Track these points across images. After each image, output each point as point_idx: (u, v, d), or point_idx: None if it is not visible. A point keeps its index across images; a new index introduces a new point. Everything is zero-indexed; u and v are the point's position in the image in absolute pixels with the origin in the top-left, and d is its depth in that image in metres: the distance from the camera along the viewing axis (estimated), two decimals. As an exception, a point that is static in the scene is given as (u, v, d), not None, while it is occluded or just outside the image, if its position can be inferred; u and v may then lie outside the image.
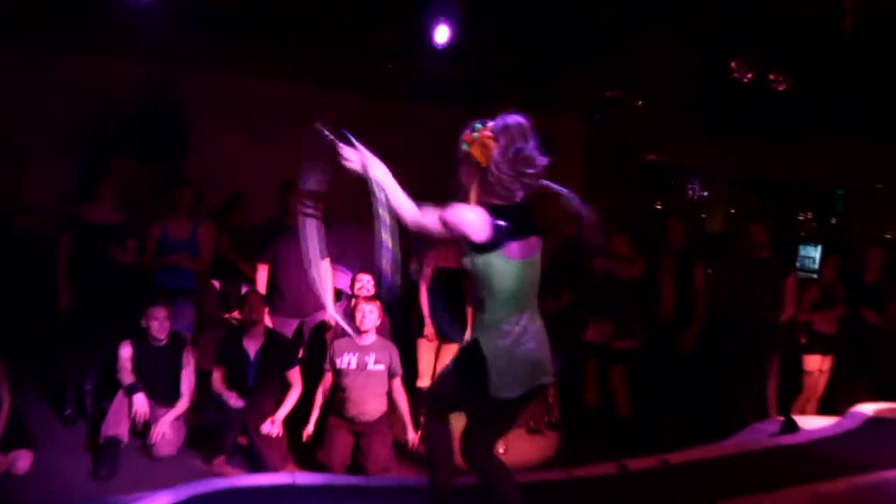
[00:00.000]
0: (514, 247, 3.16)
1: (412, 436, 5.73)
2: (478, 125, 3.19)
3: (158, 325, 5.70)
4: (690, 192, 12.36)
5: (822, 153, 10.21)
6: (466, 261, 3.21)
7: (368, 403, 5.59)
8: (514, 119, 3.18)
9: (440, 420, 3.62)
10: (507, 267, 3.16)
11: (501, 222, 3.12)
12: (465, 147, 3.20)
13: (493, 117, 3.21)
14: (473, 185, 3.22)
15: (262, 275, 6.37)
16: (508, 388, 3.22)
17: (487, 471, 3.46)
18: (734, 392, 6.78)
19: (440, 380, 3.68)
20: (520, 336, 3.26)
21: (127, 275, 6.28)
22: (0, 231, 6.96)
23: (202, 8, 7.14)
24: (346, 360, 5.63)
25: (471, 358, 3.25)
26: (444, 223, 3.12)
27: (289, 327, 6.28)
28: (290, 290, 6.25)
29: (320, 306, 6.45)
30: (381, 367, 5.67)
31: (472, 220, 3.12)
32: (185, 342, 5.92)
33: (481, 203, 3.19)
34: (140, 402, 5.55)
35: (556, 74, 9.20)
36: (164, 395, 5.70)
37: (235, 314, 6.48)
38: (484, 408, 3.34)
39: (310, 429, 5.60)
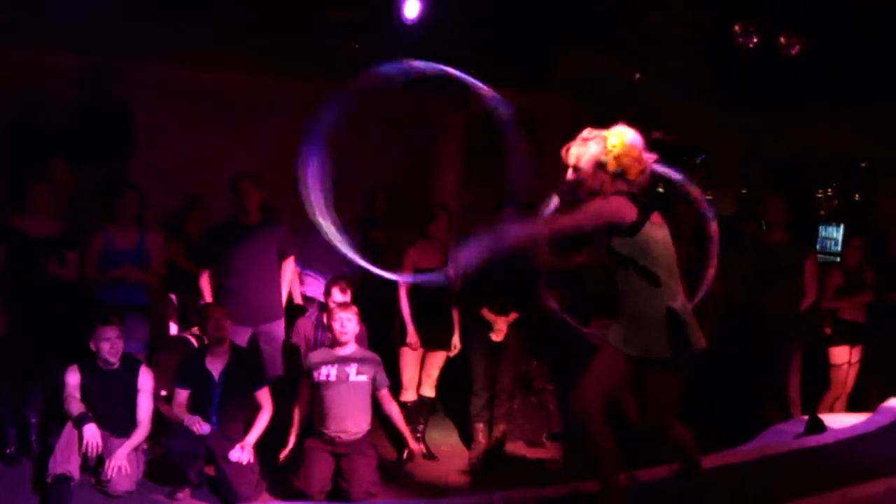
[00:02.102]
0: (655, 216, 3.93)
1: (415, 446, 5.83)
2: (614, 139, 3.88)
3: (109, 346, 5.67)
4: (697, 173, 12.41)
5: (843, 123, 10.23)
6: (623, 248, 3.89)
7: (351, 419, 5.63)
8: (634, 132, 3.95)
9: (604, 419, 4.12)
10: (660, 232, 3.95)
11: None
12: (605, 160, 3.87)
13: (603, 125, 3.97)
14: (605, 186, 3.91)
15: (205, 281, 6.41)
16: (700, 340, 4.02)
17: (684, 438, 4.30)
18: (754, 391, 6.85)
19: (600, 376, 4.15)
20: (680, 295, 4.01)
21: (69, 292, 6.27)
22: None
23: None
24: (325, 373, 5.68)
25: (663, 330, 3.92)
26: (596, 216, 3.85)
27: (240, 338, 6.29)
28: (242, 297, 6.28)
29: (275, 315, 6.49)
30: (363, 378, 5.72)
31: (621, 205, 3.84)
32: (139, 364, 5.90)
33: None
34: (91, 433, 5.49)
35: (544, 48, 9.25)
36: (118, 424, 5.67)
37: (195, 330, 6.50)
38: (672, 377, 4.08)
39: (289, 448, 5.64)
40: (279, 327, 6.54)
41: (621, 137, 3.91)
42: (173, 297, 7.02)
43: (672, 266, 4.01)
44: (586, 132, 3.99)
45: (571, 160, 3.99)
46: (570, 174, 4.00)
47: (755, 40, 7.82)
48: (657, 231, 3.95)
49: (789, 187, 10.84)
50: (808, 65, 8.48)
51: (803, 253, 7.10)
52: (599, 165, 3.90)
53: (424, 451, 6.56)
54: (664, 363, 3.99)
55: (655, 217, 3.96)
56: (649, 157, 3.98)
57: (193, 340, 6.45)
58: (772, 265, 6.88)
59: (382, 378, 5.81)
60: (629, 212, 3.86)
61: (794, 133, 10.72)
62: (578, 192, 3.98)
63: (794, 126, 10.56)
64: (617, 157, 3.87)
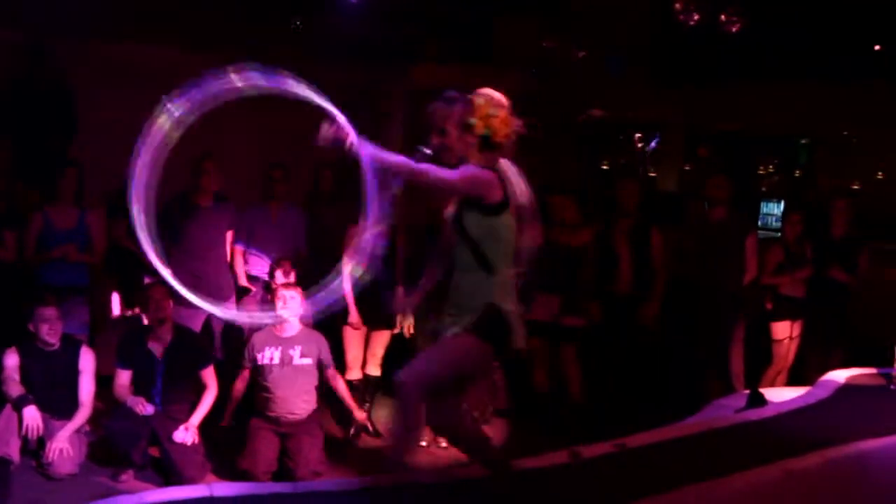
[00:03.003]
0: (513, 206, 3.79)
1: (360, 415, 5.86)
2: (480, 100, 3.73)
3: (48, 327, 5.60)
4: (640, 149, 12.53)
5: (783, 100, 10.36)
6: (474, 227, 3.73)
7: (295, 401, 5.63)
8: (500, 96, 3.79)
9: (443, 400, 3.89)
10: (512, 224, 3.79)
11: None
12: (472, 121, 3.72)
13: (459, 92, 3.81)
14: (471, 153, 3.76)
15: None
16: (518, 341, 3.85)
17: (460, 425, 4.04)
18: (696, 367, 6.96)
19: (433, 355, 3.93)
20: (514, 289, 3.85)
21: (7, 273, 6.17)
22: None
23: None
24: (269, 355, 5.65)
25: (489, 324, 3.74)
26: (471, 182, 3.68)
27: (195, 320, 6.25)
28: (198, 277, 6.23)
29: (229, 296, 6.45)
30: (308, 360, 5.71)
31: (493, 180, 3.71)
32: (80, 345, 5.84)
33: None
34: (31, 415, 5.43)
35: (489, 23, 9.25)
36: (59, 406, 5.63)
37: (136, 310, 6.43)
38: (473, 357, 3.85)
39: (226, 420, 5.63)
40: (229, 307, 6.50)
41: (487, 98, 3.77)
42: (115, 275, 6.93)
43: (510, 260, 3.85)
44: (449, 94, 3.85)
45: (437, 123, 3.83)
46: (434, 139, 3.84)
47: (696, 18, 7.88)
48: (511, 220, 3.81)
49: (731, 164, 11.00)
50: (750, 42, 8.58)
51: (745, 229, 7.20)
52: (465, 127, 3.76)
53: (369, 425, 6.58)
54: (467, 329, 3.76)
55: (513, 207, 3.82)
56: (516, 121, 3.82)
57: (144, 319, 6.38)
58: (714, 241, 6.98)
59: (327, 358, 5.82)
60: (497, 191, 3.74)
61: (737, 110, 10.86)
62: (444, 157, 3.81)
63: (736, 103, 10.69)
64: (483, 119, 3.72)
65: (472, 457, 4.22)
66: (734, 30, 7.94)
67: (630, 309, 7.06)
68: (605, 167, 12.34)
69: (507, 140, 3.80)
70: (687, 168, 12.12)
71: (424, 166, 3.68)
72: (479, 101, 3.74)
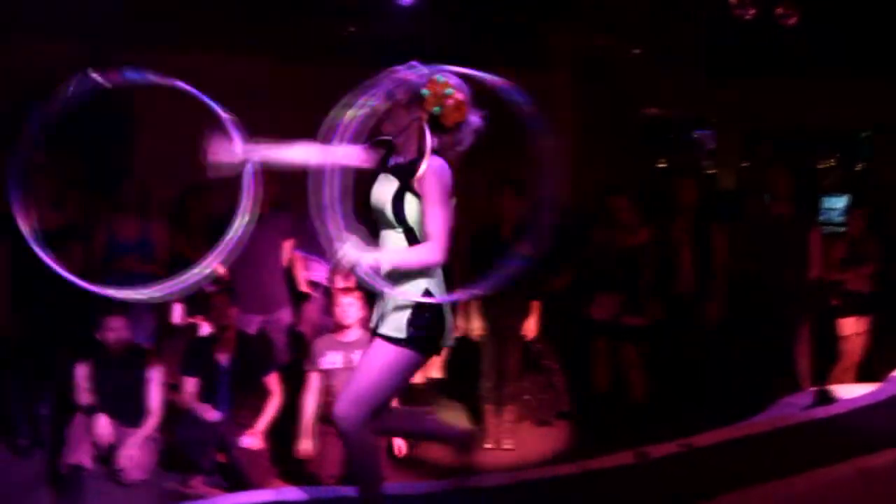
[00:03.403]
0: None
1: (398, 442, 5.80)
2: (441, 77, 3.46)
3: (115, 337, 5.71)
4: (697, 147, 12.40)
5: (843, 92, 10.21)
6: (411, 210, 3.45)
7: None
8: (460, 81, 3.51)
9: (373, 426, 3.64)
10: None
11: None
12: (425, 93, 3.45)
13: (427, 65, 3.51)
14: (414, 127, 3.50)
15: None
16: (450, 336, 3.61)
17: (367, 440, 3.64)
18: (761, 365, 6.88)
19: (364, 381, 3.59)
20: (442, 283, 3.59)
21: (74, 285, 6.27)
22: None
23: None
24: (331, 360, 5.69)
25: (410, 310, 3.47)
26: (445, 197, 3.44)
27: (250, 325, 6.34)
28: (252, 285, 6.31)
29: (284, 304, 6.52)
30: (370, 364, 5.73)
31: (448, 174, 3.47)
32: (147, 353, 5.95)
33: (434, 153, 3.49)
34: (102, 423, 5.56)
35: (540, 25, 9.23)
36: (129, 414, 5.71)
37: (200, 318, 6.52)
38: (405, 370, 3.59)
39: (307, 444, 5.64)
40: (286, 314, 6.57)
41: (447, 78, 3.49)
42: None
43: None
44: (412, 63, 3.54)
45: (388, 85, 3.50)
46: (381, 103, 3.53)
47: (752, 12, 7.79)
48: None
49: (791, 159, 10.84)
50: (807, 35, 8.46)
51: (808, 224, 7.11)
52: (417, 98, 3.46)
53: (405, 451, 6.60)
54: (395, 342, 3.50)
55: None
56: (471, 112, 3.53)
57: (205, 327, 6.46)
58: (777, 237, 6.90)
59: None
60: (449, 179, 3.49)
61: (795, 105, 10.71)
62: (383, 125, 3.52)
63: (794, 98, 10.55)
64: (438, 95, 3.45)
65: (443, 444, 4.08)
66: (791, 22, 7.83)
67: (691, 308, 7.01)
68: (662, 166, 12.23)
69: (456, 130, 3.52)
70: (745, 165, 11.95)
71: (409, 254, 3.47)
72: (438, 77, 3.49)
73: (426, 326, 3.49)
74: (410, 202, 3.45)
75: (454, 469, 4.16)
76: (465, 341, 6.71)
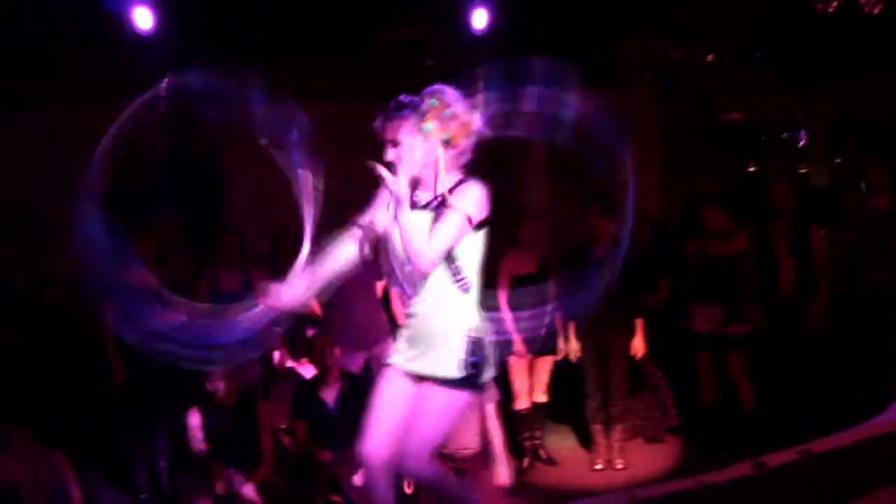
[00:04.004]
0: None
1: (504, 470, 5.78)
2: (434, 101, 3.41)
3: (224, 384, 5.85)
4: (787, 148, 12.19)
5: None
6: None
7: (465, 435, 5.67)
8: (453, 91, 3.46)
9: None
10: (484, 240, 3.49)
11: None
12: (429, 127, 3.39)
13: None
14: (437, 160, 3.44)
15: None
16: (491, 371, 3.55)
17: (442, 476, 3.64)
18: (875, 363, 6.69)
19: (427, 432, 3.54)
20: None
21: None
22: (32, 310, 7.01)
23: (208, 36, 7.34)
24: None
25: (460, 348, 3.42)
26: (477, 215, 3.38)
27: (354, 362, 6.42)
28: (353, 321, 6.39)
29: (384, 338, 6.60)
30: (472, 394, 5.74)
31: (486, 195, 3.43)
32: (256, 398, 6.06)
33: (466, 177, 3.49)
34: (219, 471, 5.68)
35: (612, 41, 9.21)
36: (241, 459, 5.81)
37: (304, 361, 6.63)
38: (463, 410, 3.56)
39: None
40: (389, 348, 6.64)
41: (439, 97, 3.42)
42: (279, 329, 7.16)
43: (477, 275, 3.53)
44: (398, 100, 3.50)
45: (387, 135, 3.46)
46: (388, 153, 3.45)
47: (834, 4, 7.63)
48: (485, 234, 3.50)
49: (884, 152, 10.57)
50: (890, 24, 8.26)
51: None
52: (423, 133, 3.41)
53: (542, 453, 6.62)
54: (450, 384, 3.44)
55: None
56: (475, 119, 3.47)
57: (310, 369, 6.55)
58: (879, 231, 6.73)
59: (492, 391, 5.82)
60: (487, 201, 3.43)
61: (883, 97, 10.46)
62: (400, 171, 3.38)
63: (881, 90, 10.31)
64: (441, 121, 3.38)
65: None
66: (875, 12, 7.64)
67: (796, 312, 6.87)
68: (752, 169, 12.05)
69: (467, 141, 3.47)
70: (838, 161, 11.69)
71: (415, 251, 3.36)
72: (430, 102, 3.41)
73: (480, 364, 3.45)
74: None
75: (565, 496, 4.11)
76: (566, 363, 6.69)
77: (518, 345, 6.47)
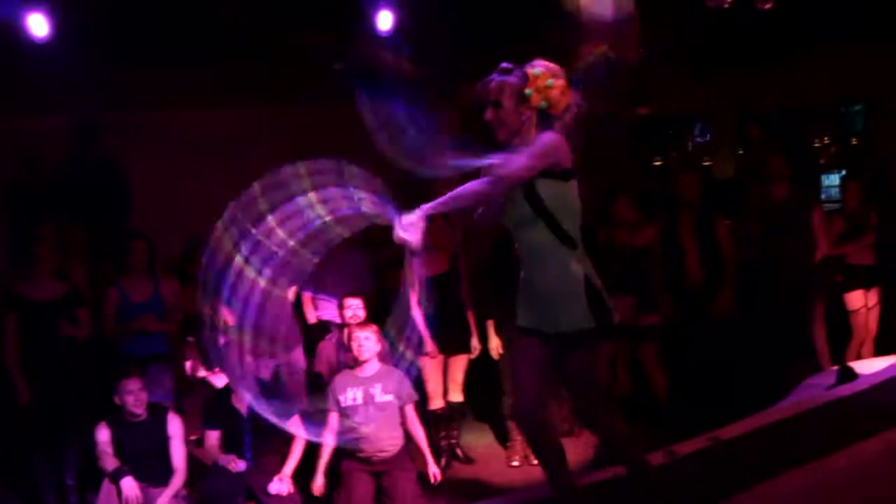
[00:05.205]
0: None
1: (434, 469, 5.78)
2: (536, 70, 3.57)
3: (134, 398, 5.68)
4: (691, 140, 12.41)
5: (830, 67, 10.18)
6: (549, 196, 3.51)
7: (384, 439, 5.64)
8: (554, 66, 3.63)
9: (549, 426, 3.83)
10: (577, 192, 3.61)
11: None
12: (528, 93, 3.55)
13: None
14: (527, 127, 3.61)
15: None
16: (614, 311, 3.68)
17: (613, 425, 3.81)
18: (779, 350, 6.85)
19: (530, 379, 3.73)
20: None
21: (87, 350, 6.31)
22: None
23: (108, 44, 7.19)
24: (351, 396, 5.68)
25: (582, 298, 3.56)
26: (547, 153, 3.47)
27: (265, 371, 6.33)
28: (258, 331, 6.31)
29: (295, 344, 6.53)
30: (389, 396, 5.72)
31: (561, 141, 3.53)
32: (166, 411, 5.92)
33: None
34: (129, 486, 5.48)
35: (523, 39, 9.23)
36: (154, 473, 5.67)
37: (217, 370, 6.53)
38: (594, 352, 3.76)
39: (319, 481, 5.64)
40: (298, 355, 6.58)
41: (544, 68, 3.59)
42: (191, 339, 7.04)
43: (579, 228, 3.65)
44: (504, 65, 3.65)
45: (491, 95, 3.61)
46: (488, 113, 3.62)
47: (729, 1, 7.78)
48: (576, 187, 3.63)
49: (786, 140, 10.82)
50: (786, 15, 8.43)
51: (809, 204, 7.11)
52: (522, 99, 3.57)
53: (459, 452, 6.63)
54: (587, 335, 3.61)
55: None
56: (575, 94, 3.65)
57: (222, 378, 6.45)
58: (780, 221, 6.90)
59: (409, 392, 5.80)
60: (567, 156, 3.55)
61: (783, 85, 10.69)
62: (497, 133, 3.61)
63: (781, 78, 10.52)
64: (540, 90, 3.55)
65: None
66: (767, 7, 7.81)
67: (703, 301, 6.99)
68: (658, 163, 12.25)
69: (565, 113, 3.62)
70: (741, 152, 11.93)
71: (494, 173, 3.43)
72: (535, 71, 3.57)
73: (607, 308, 3.61)
74: (543, 185, 3.52)
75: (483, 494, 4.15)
76: (484, 361, 6.70)
77: (429, 345, 6.45)
